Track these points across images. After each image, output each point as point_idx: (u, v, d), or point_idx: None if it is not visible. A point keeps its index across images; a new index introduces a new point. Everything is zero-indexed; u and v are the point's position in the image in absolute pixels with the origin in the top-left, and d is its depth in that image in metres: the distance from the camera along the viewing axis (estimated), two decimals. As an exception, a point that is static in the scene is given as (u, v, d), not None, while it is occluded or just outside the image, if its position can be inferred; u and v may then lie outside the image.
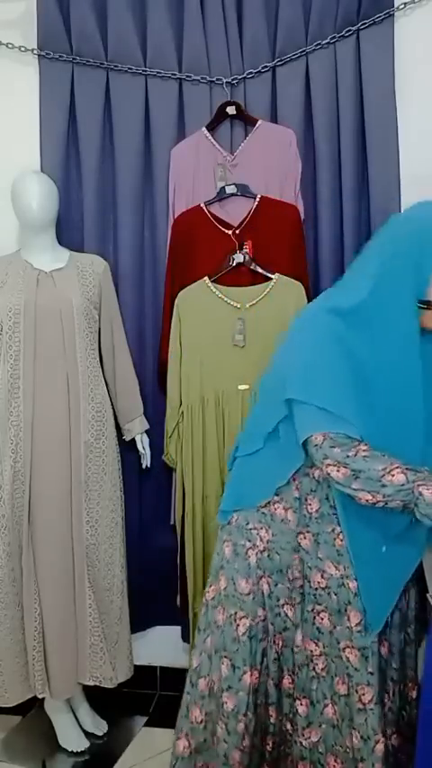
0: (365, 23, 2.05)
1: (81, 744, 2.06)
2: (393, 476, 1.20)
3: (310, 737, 1.41)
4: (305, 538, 1.42)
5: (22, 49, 2.22)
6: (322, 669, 1.40)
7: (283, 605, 1.44)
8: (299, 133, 2.11)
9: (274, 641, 1.45)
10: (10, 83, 2.26)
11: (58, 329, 1.96)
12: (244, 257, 1.99)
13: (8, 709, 2.01)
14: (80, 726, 2.11)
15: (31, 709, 2.20)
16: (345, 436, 1.27)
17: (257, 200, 2.06)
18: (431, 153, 2.11)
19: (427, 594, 2.16)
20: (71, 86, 2.18)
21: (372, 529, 1.33)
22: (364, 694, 1.33)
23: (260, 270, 2.00)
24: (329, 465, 1.26)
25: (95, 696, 2.15)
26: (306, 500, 1.41)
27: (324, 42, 2.07)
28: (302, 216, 2.11)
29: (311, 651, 1.41)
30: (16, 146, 2.24)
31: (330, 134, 2.10)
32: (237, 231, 2.05)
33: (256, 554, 1.44)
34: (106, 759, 2.03)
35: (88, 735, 2.10)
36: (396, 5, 2.07)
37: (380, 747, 1.31)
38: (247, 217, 2.06)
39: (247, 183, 2.08)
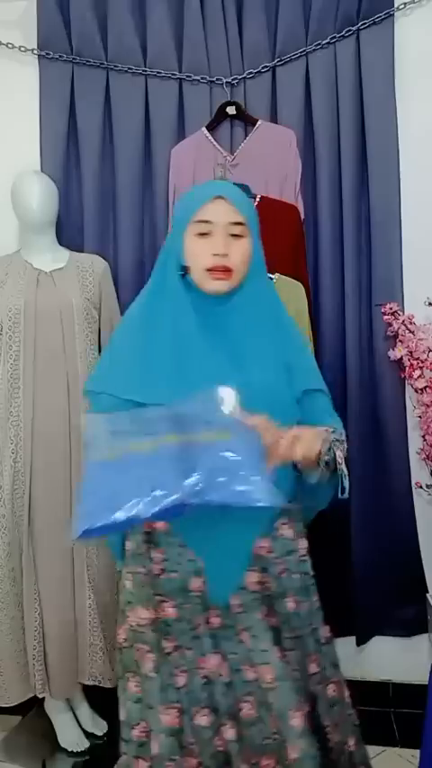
0: (365, 23, 2.05)
1: (81, 744, 2.06)
2: None
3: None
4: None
5: (22, 49, 2.22)
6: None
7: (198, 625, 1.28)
8: (299, 133, 2.11)
9: (198, 666, 1.27)
10: (10, 83, 2.26)
11: (58, 329, 1.96)
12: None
13: (8, 709, 2.01)
14: (80, 726, 2.11)
15: (31, 709, 2.19)
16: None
17: (257, 200, 2.05)
18: (431, 153, 2.12)
19: (427, 594, 2.17)
20: (71, 86, 2.18)
21: None
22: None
23: (260, 270, 2.00)
24: None
25: (95, 696, 2.15)
26: None
27: (324, 42, 2.07)
28: (302, 216, 2.11)
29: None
30: (16, 146, 2.24)
31: (330, 134, 2.11)
32: (237, 231, 2.05)
33: (152, 579, 1.30)
34: (106, 759, 2.02)
35: (88, 735, 2.10)
36: (396, 5, 2.07)
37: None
38: (247, 217, 2.05)
39: (247, 183, 2.07)
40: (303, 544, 1.37)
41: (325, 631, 1.38)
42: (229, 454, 1.06)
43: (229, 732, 1.25)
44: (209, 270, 1.28)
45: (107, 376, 1.36)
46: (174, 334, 1.30)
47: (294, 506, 1.32)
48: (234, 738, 1.24)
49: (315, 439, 1.23)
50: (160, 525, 1.29)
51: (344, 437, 1.33)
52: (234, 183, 2.04)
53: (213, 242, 1.28)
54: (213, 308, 1.30)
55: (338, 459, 1.26)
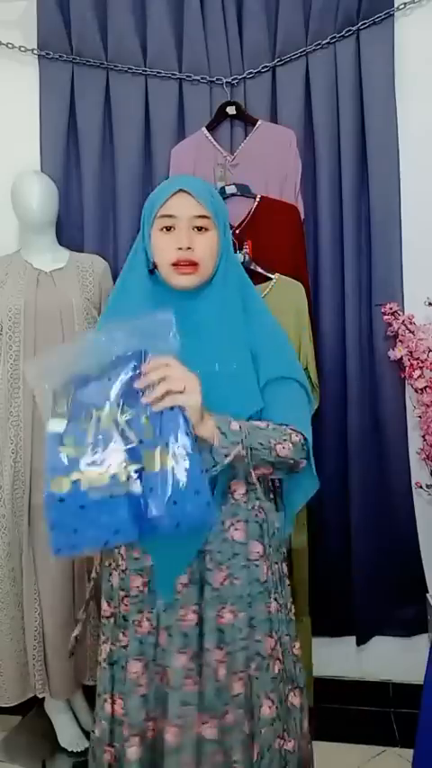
0: (365, 23, 2.05)
1: (81, 744, 2.06)
2: None
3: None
4: None
5: (22, 49, 2.22)
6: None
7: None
8: (299, 133, 2.11)
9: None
10: (10, 83, 2.26)
11: (57, 329, 1.95)
12: (244, 257, 1.99)
13: (8, 709, 2.01)
14: (80, 726, 2.11)
15: (31, 709, 2.20)
16: None
17: (257, 200, 2.06)
18: (431, 153, 2.12)
19: (427, 594, 2.17)
20: (71, 86, 2.18)
21: None
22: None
23: (260, 270, 2.00)
24: None
25: (95, 696, 2.14)
26: None
27: (324, 42, 2.07)
28: (302, 216, 2.11)
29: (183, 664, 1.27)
30: (16, 146, 2.24)
31: (330, 134, 2.11)
32: (236, 231, 2.04)
33: (119, 574, 1.33)
34: (106, 759, 2.03)
35: (88, 735, 2.10)
36: (396, 5, 2.07)
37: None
38: (247, 217, 2.05)
39: (247, 184, 2.08)
40: (256, 548, 1.29)
41: (268, 646, 1.29)
42: (178, 477, 1.07)
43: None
44: (174, 264, 1.27)
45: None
46: None
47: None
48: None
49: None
50: None
51: (284, 440, 1.23)
52: (234, 184, 2.07)
53: (177, 236, 1.26)
54: (180, 303, 1.25)
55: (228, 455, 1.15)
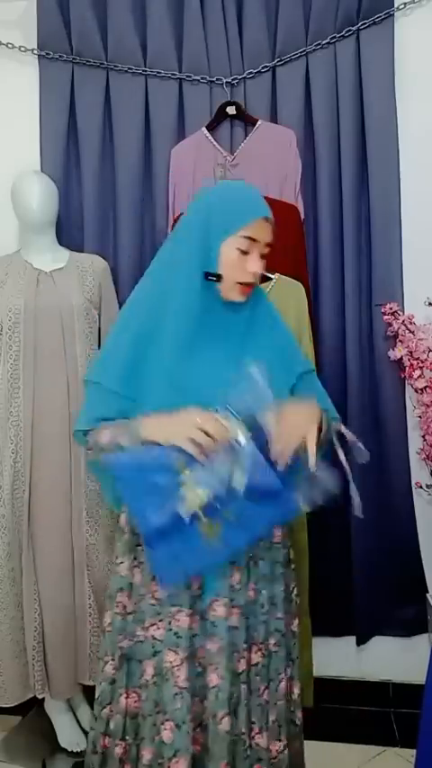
0: (365, 23, 2.05)
1: (81, 744, 2.06)
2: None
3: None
4: None
5: (22, 49, 2.22)
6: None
7: (176, 613, 1.32)
8: (299, 133, 2.11)
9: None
10: (10, 83, 2.26)
11: (58, 329, 1.96)
12: (244, 257, 1.99)
13: (8, 709, 2.01)
14: (80, 726, 2.11)
15: (31, 709, 2.20)
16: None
17: (257, 200, 2.05)
18: (431, 153, 2.12)
19: (427, 594, 2.17)
20: (71, 86, 2.19)
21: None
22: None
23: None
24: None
25: (98, 693, 2.15)
26: None
27: (324, 42, 2.08)
28: (302, 216, 2.11)
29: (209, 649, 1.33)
30: (16, 146, 2.25)
31: (330, 134, 2.11)
32: (237, 231, 2.05)
33: (141, 570, 1.37)
34: (106, 759, 2.03)
35: (88, 735, 2.10)
36: (396, 5, 2.07)
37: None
38: (247, 217, 2.05)
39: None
40: (277, 531, 1.40)
41: (291, 625, 1.42)
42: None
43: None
44: (241, 284, 1.32)
45: (103, 366, 1.38)
46: (176, 332, 1.31)
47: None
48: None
49: (308, 419, 1.27)
50: None
51: (338, 421, 1.40)
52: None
53: (253, 260, 1.32)
54: (222, 312, 1.34)
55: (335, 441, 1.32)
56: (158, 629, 1.31)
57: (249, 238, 1.30)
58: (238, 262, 1.31)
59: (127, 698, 1.36)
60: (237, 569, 1.33)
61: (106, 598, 1.43)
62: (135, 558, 1.38)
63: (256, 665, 1.36)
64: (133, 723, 1.35)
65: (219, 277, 1.31)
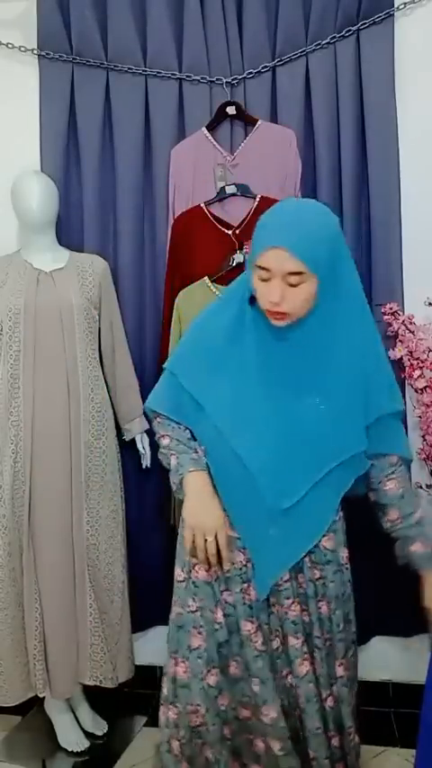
0: (365, 23, 2.05)
1: (81, 744, 2.06)
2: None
3: (269, 714, 1.44)
4: None
5: (22, 49, 2.22)
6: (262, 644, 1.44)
7: (223, 591, 1.45)
8: (299, 133, 2.11)
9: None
10: (10, 83, 2.26)
11: (58, 329, 1.96)
12: (244, 257, 1.99)
13: (8, 708, 2.02)
14: (80, 726, 2.11)
15: (31, 708, 2.20)
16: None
17: (257, 200, 2.06)
18: (431, 153, 2.12)
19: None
20: (71, 86, 2.19)
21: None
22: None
23: (260, 270, 2.00)
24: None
25: (95, 696, 2.15)
26: None
27: (324, 42, 2.07)
28: (302, 216, 2.10)
29: (249, 630, 1.44)
30: (16, 146, 2.24)
31: (330, 134, 2.11)
32: (237, 231, 2.05)
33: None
34: (106, 759, 2.03)
35: (88, 735, 2.10)
36: (396, 5, 2.07)
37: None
38: (247, 217, 2.06)
39: (247, 183, 2.08)
40: (344, 553, 1.51)
41: (350, 641, 1.54)
42: None
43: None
44: (267, 310, 1.34)
45: (182, 363, 1.50)
46: (243, 361, 1.41)
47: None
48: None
49: None
50: None
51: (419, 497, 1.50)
52: (234, 184, 2.07)
53: (271, 288, 1.31)
54: (278, 332, 1.37)
55: None
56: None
57: (263, 268, 1.30)
58: (260, 289, 1.33)
59: (176, 665, 1.47)
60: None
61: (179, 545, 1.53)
62: None
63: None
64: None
65: (252, 300, 1.39)
